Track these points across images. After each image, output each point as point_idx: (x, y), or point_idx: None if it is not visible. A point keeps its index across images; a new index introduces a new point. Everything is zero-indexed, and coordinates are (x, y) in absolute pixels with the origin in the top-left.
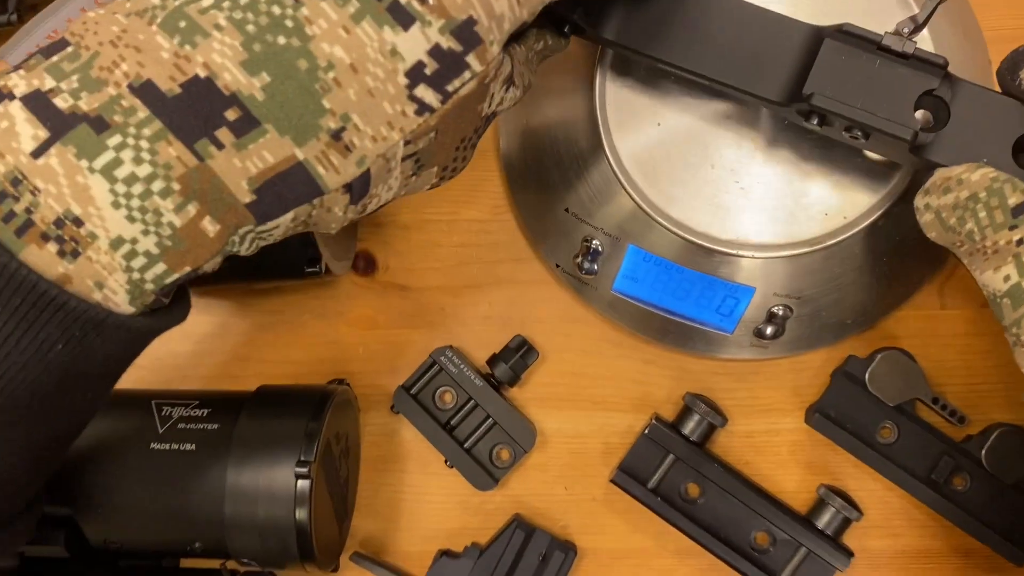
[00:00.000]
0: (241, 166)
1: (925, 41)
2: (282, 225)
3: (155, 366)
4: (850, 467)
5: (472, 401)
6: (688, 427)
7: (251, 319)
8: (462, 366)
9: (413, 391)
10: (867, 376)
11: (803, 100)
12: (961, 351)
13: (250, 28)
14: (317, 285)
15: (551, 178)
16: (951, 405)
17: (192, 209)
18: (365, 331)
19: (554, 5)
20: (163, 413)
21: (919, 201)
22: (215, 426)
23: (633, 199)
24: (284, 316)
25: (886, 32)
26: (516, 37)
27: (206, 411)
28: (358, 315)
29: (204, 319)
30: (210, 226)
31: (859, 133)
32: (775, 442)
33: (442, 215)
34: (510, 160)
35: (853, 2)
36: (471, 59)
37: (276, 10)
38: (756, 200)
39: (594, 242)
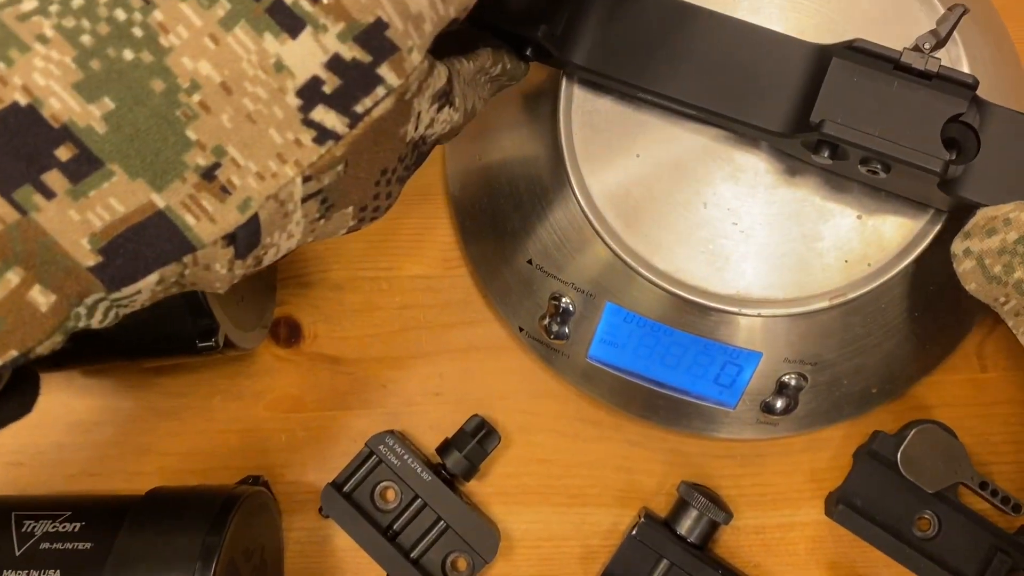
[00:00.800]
0: (80, 219)
1: (950, 55)
2: (145, 290)
3: (35, 462)
4: (882, 567)
5: (419, 500)
6: (684, 525)
7: (149, 403)
8: (406, 456)
9: (346, 489)
10: (899, 456)
11: (811, 129)
12: (1007, 422)
13: (85, 40)
14: (228, 361)
15: (510, 224)
16: (1002, 490)
17: (14, 277)
18: (288, 415)
19: (512, 24)
20: (23, 529)
21: (957, 246)
22: (87, 545)
23: (609, 247)
24: (189, 399)
25: (904, 48)
26: (464, 50)
27: (78, 525)
28: (280, 396)
29: (93, 404)
30: (41, 297)
31: (878, 167)
32: (790, 539)
33: (380, 271)
34: (461, 204)
35: (864, 9)
36: (384, 71)
37: (120, 15)
38: (760, 245)
39: (564, 300)
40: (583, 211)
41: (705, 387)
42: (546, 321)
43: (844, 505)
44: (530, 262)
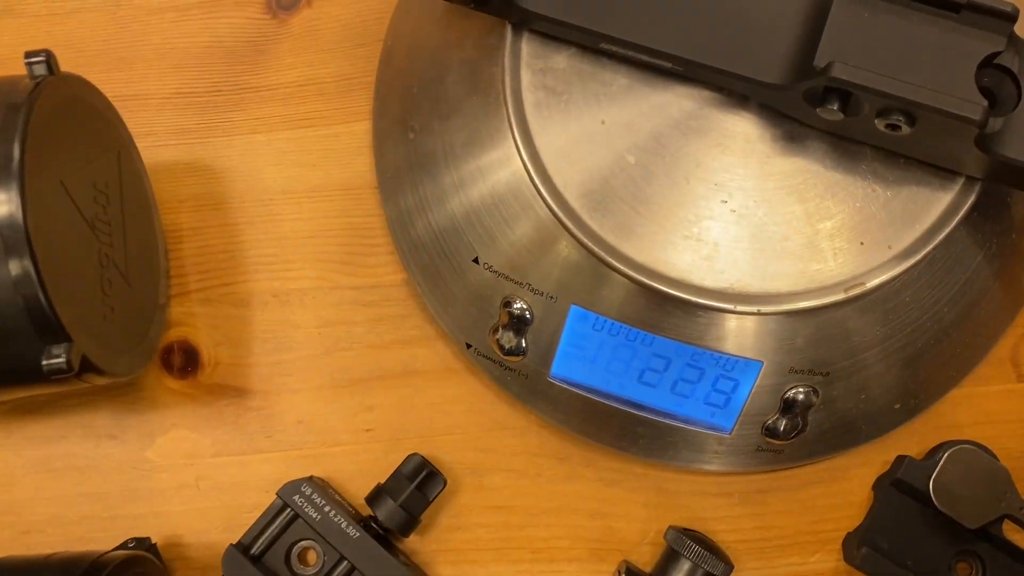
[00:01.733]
0: None
1: None
2: None
3: None
4: None
5: (345, 562)
6: None
7: (15, 450)
8: (328, 508)
9: (255, 551)
10: (931, 486)
11: (817, 75)
12: None
13: None
14: (109, 395)
15: (451, 216)
16: None
17: None
18: (184, 461)
19: None
20: None
21: None
22: None
23: (571, 235)
24: (63, 444)
25: None
26: None
27: None
28: (174, 438)
29: None
30: None
31: (900, 119)
32: None
33: (298, 282)
34: (392, 194)
35: None
36: None
37: None
38: (756, 227)
39: (518, 305)
40: (539, 193)
41: (694, 408)
42: (498, 334)
43: (868, 548)
44: (476, 261)
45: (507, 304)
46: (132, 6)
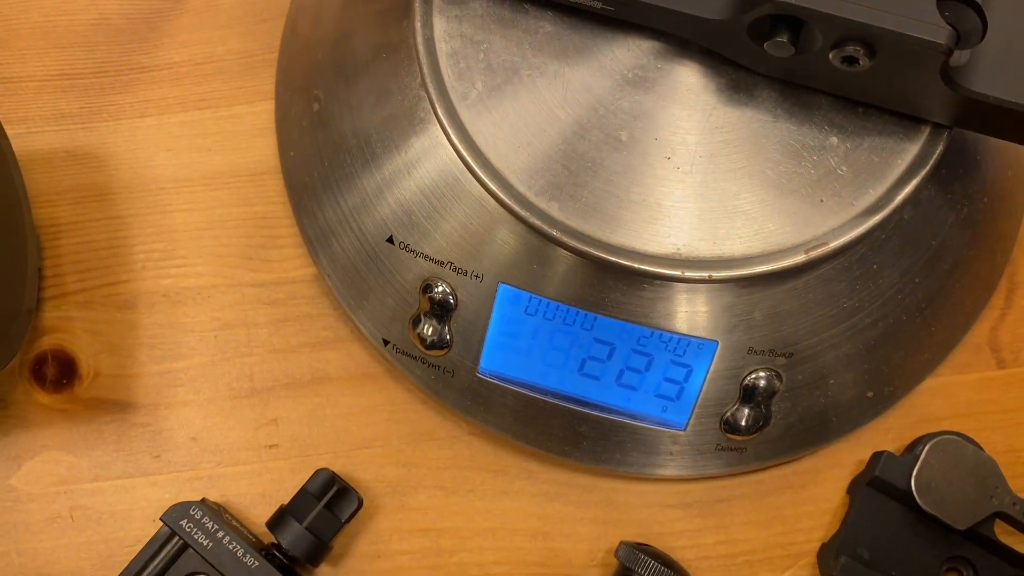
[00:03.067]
0: None
1: None
2: None
3: None
4: None
5: None
6: None
7: None
8: (221, 534)
9: None
10: (913, 483)
11: (763, 3)
12: None
13: None
14: None
15: (361, 190)
16: None
17: None
18: (58, 488)
19: None
20: None
21: None
22: None
23: (497, 199)
24: None
25: None
26: None
27: None
28: (45, 460)
29: None
30: None
31: (858, 50)
32: None
33: (190, 279)
34: (295, 174)
35: None
36: None
37: None
38: (702, 185)
39: (439, 288)
40: (458, 153)
41: (643, 402)
42: (419, 326)
43: (847, 558)
44: (391, 240)
45: (427, 289)
46: None
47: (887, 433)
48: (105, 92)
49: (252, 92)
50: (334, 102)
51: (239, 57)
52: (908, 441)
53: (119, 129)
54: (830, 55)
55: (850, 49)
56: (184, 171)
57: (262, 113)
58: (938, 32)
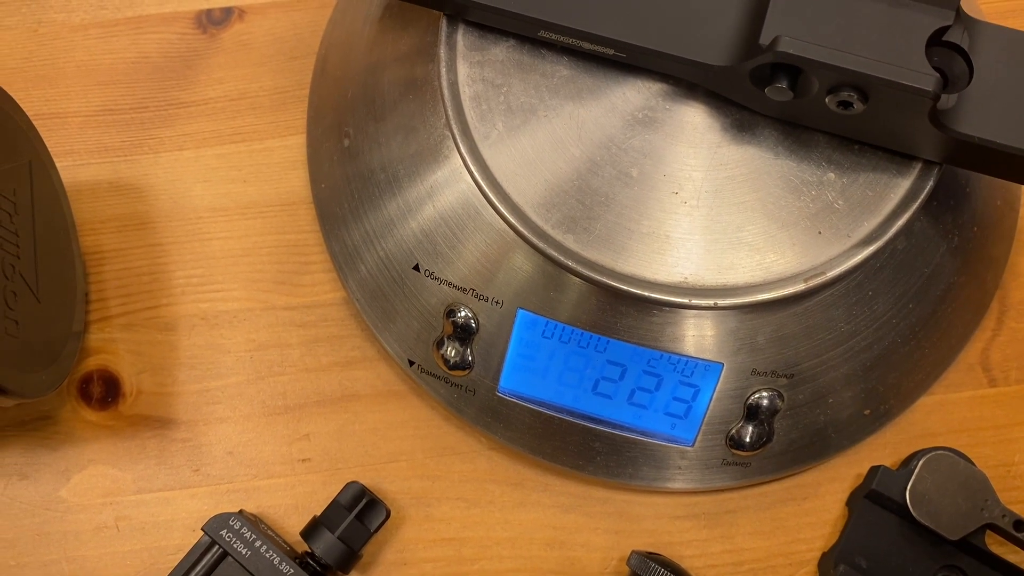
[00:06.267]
0: None
1: None
2: None
3: None
4: None
5: None
6: None
7: None
8: (259, 543)
9: None
10: (908, 496)
11: (763, 52)
12: None
13: None
14: (17, 428)
15: (388, 221)
16: None
17: None
18: (103, 500)
19: None
20: None
21: None
22: None
23: (516, 231)
24: None
25: None
26: None
27: None
28: (92, 474)
29: None
30: None
31: (852, 95)
32: None
33: (226, 303)
34: (326, 205)
35: None
36: None
37: None
38: (708, 219)
39: (463, 313)
40: (479, 188)
41: (653, 419)
42: (443, 348)
43: (845, 567)
44: (417, 268)
45: (450, 313)
46: (54, 23)
47: (883, 448)
48: (145, 127)
49: (284, 127)
50: (363, 138)
51: (271, 93)
52: (903, 456)
53: (159, 161)
54: (826, 99)
55: (844, 94)
56: (220, 201)
57: (293, 147)
58: (926, 80)
